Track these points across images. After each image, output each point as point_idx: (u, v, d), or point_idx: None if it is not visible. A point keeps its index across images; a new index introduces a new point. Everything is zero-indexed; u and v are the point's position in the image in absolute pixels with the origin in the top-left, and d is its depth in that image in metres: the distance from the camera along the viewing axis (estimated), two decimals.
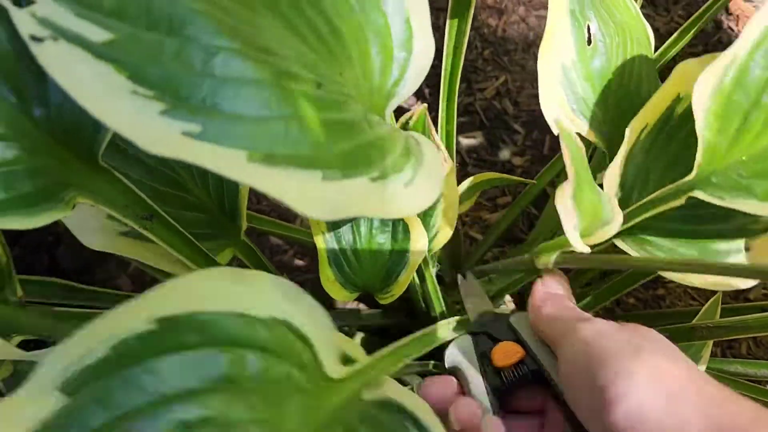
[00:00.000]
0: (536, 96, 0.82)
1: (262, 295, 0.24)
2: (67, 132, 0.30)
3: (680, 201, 0.39)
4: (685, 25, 0.49)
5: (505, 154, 0.77)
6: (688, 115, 0.38)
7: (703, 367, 0.54)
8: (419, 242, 0.40)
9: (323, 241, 0.39)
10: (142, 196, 0.32)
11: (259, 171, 0.23)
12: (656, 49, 0.49)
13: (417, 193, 0.27)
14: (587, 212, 0.34)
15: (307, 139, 0.25)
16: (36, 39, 0.23)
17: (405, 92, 0.34)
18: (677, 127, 0.43)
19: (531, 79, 0.83)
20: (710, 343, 0.52)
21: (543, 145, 0.79)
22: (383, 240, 0.40)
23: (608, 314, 0.69)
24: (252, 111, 0.24)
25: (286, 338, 0.24)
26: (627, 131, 0.42)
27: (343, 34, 0.31)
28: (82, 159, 0.30)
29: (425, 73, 0.34)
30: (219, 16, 0.26)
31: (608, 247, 0.50)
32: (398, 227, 0.40)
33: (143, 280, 0.71)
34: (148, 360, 0.20)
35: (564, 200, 0.32)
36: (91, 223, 0.38)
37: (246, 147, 0.23)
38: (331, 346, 0.26)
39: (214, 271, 0.23)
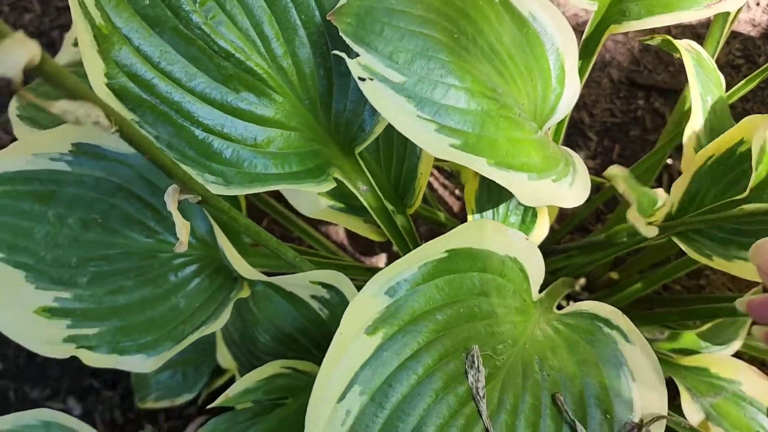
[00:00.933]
0: (608, 109, 0.95)
1: (503, 241, 0.38)
2: (338, 131, 0.45)
3: (732, 211, 0.53)
4: (750, 75, 0.62)
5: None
6: (747, 155, 0.51)
7: (739, 344, 0.68)
8: (542, 227, 0.54)
9: (473, 219, 0.54)
10: (368, 176, 0.47)
11: (495, 171, 0.38)
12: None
13: (576, 193, 0.42)
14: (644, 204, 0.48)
15: (525, 150, 0.40)
16: (361, 79, 0.38)
17: (556, 118, 0.48)
18: (737, 161, 0.56)
19: (605, 94, 0.96)
20: (748, 322, 0.65)
21: (612, 152, 0.92)
22: (514, 220, 0.55)
23: (656, 298, 0.83)
24: (489, 133, 0.39)
25: (513, 269, 0.39)
26: (696, 156, 0.56)
27: (522, 74, 0.46)
28: (344, 150, 0.45)
29: (573, 105, 0.48)
30: (459, 65, 0.41)
31: (666, 243, 0.64)
32: (528, 212, 0.54)
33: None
34: (440, 277, 0.35)
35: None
36: (307, 197, 0.53)
37: (485, 156, 0.38)
38: (536, 275, 0.41)
39: (483, 222, 0.38)
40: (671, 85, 0.96)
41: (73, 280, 0.48)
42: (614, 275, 0.70)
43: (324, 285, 0.47)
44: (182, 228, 0.34)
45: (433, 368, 0.35)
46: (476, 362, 0.36)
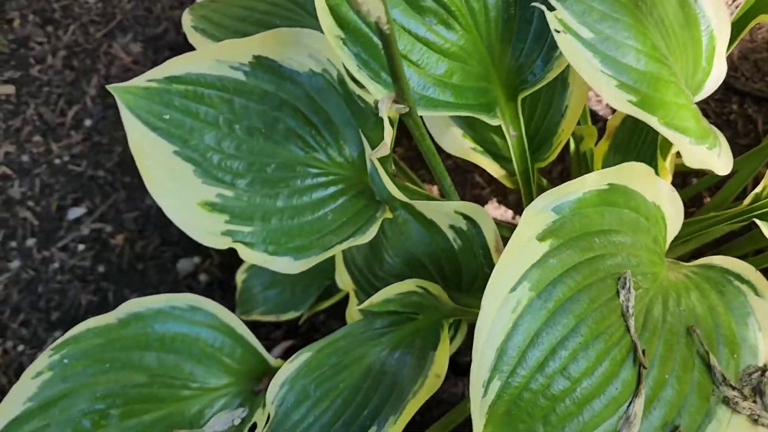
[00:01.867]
0: (703, 109, 0.98)
1: (651, 186, 0.42)
2: (508, 74, 0.48)
3: None
4: None
5: None
6: None
7: None
8: None
9: None
10: (521, 123, 0.51)
11: (666, 130, 0.41)
12: None
13: (723, 162, 0.45)
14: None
15: (686, 116, 0.43)
16: (556, 31, 0.42)
17: (701, 95, 0.51)
18: None
19: None
20: None
21: None
22: None
23: None
24: (660, 94, 0.43)
25: (656, 215, 0.42)
26: None
27: (680, 48, 0.49)
28: (508, 93, 0.49)
29: (717, 85, 0.51)
30: (640, 29, 0.44)
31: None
32: None
33: None
34: (600, 206, 0.39)
35: None
36: (454, 138, 0.57)
37: (658, 115, 0.42)
38: (673, 227, 0.44)
39: (635, 165, 0.41)
40: (766, 95, 0.98)
41: (235, 182, 0.53)
42: None
43: (465, 216, 0.50)
44: (388, 134, 0.38)
45: (589, 281, 0.39)
46: (628, 284, 0.40)
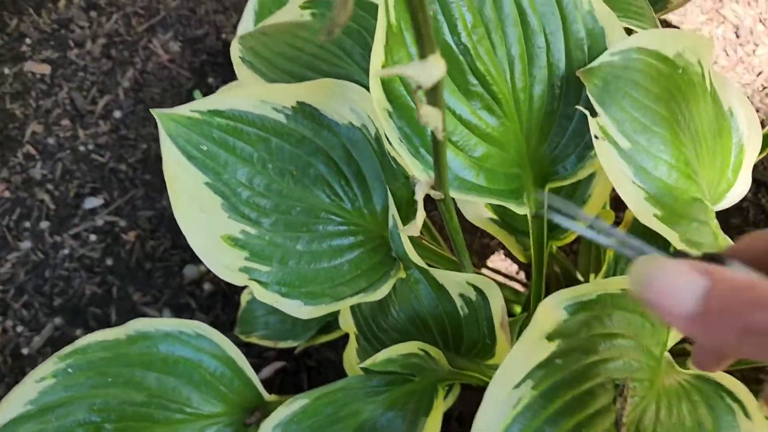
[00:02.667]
0: None
1: None
2: (541, 164, 0.50)
3: None
4: None
5: None
6: None
7: None
8: None
9: None
10: (544, 209, 0.52)
11: (684, 248, 0.43)
12: None
13: None
14: None
15: (705, 233, 0.44)
16: (595, 137, 0.43)
17: (722, 205, 0.53)
18: None
19: None
20: None
21: None
22: None
23: None
24: (683, 211, 0.44)
25: (648, 324, 0.44)
26: None
27: (709, 159, 0.50)
28: (537, 182, 0.50)
29: (741, 197, 0.53)
30: (675, 143, 0.45)
31: None
32: None
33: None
34: (611, 307, 0.41)
35: None
36: (475, 207, 0.59)
37: (679, 232, 0.43)
38: (675, 333, 0.45)
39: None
40: None
41: (259, 220, 0.54)
42: None
43: (476, 288, 0.52)
44: (419, 216, 0.39)
45: (590, 385, 0.40)
46: (625, 393, 0.41)
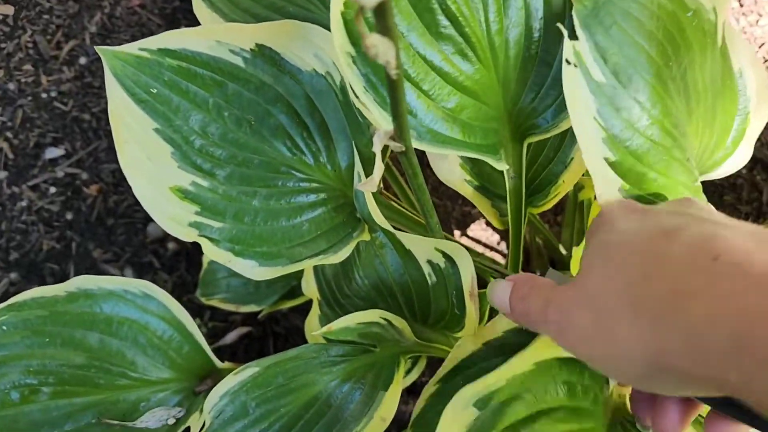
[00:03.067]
0: None
1: None
2: (519, 117, 0.45)
3: None
4: None
5: None
6: None
7: None
8: None
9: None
10: (523, 167, 0.48)
11: None
12: None
13: None
14: None
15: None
16: (567, 61, 0.38)
17: (713, 175, 0.48)
18: None
19: None
20: None
21: None
22: None
23: None
24: (648, 161, 0.40)
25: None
26: None
27: (705, 120, 0.46)
28: (514, 137, 0.46)
29: (737, 169, 0.48)
30: (658, 91, 0.41)
31: None
32: None
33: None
34: (526, 388, 0.37)
35: None
36: (449, 166, 0.54)
37: (631, 183, 0.39)
38: None
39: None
40: None
41: (213, 172, 0.50)
42: None
43: (445, 255, 0.48)
44: (378, 170, 0.35)
45: None
46: None
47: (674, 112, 0.42)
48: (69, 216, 0.82)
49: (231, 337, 0.79)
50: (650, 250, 0.27)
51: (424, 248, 0.48)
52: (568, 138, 0.51)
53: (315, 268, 0.59)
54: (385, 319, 0.49)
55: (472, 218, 0.88)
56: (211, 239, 0.49)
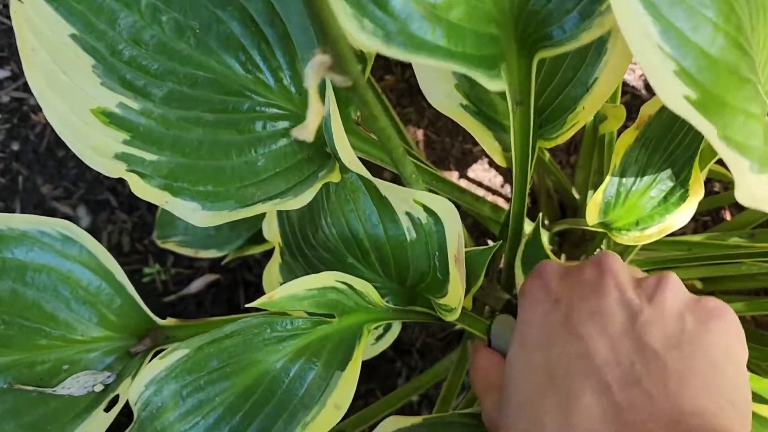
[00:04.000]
0: None
1: None
2: (528, 23, 0.35)
3: None
4: None
5: None
6: None
7: None
8: (685, 213, 0.45)
9: (610, 180, 0.45)
10: (531, 89, 0.38)
11: (724, 148, 0.29)
12: None
13: None
14: None
15: (755, 130, 0.31)
16: None
17: None
18: None
19: None
20: None
21: None
22: (655, 194, 0.46)
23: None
24: (726, 94, 0.30)
25: None
26: None
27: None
28: (522, 50, 0.36)
29: None
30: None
31: None
32: (676, 192, 0.45)
33: None
34: None
35: None
36: (442, 87, 0.45)
37: (717, 124, 0.30)
38: None
39: None
40: None
41: (147, 91, 0.40)
42: (699, 284, 0.63)
43: (427, 209, 0.39)
44: (314, 115, 0.25)
45: None
46: None
47: (744, 22, 0.32)
48: (15, 146, 0.73)
49: (196, 285, 0.71)
50: (536, 383, 0.31)
51: (402, 198, 0.39)
52: (591, 52, 0.41)
53: (280, 210, 0.50)
54: (343, 283, 0.40)
55: (474, 157, 0.78)
56: (142, 175, 0.40)
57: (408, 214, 0.39)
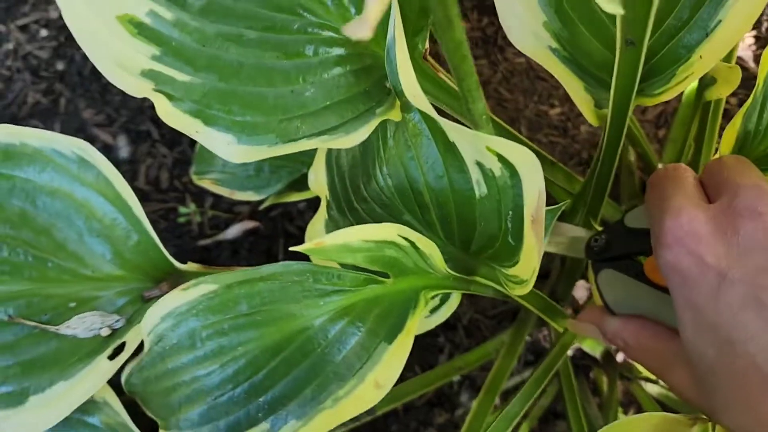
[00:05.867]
0: None
1: None
2: None
3: None
4: None
5: None
6: None
7: None
8: None
9: None
10: (649, 25, 0.31)
11: None
12: None
13: None
14: None
15: None
16: None
17: None
18: None
19: None
20: None
21: None
22: None
23: None
24: None
25: None
26: None
27: None
28: None
29: None
30: None
31: None
32: None
33: None
34: None
35: None
36: (529, 24, 0.37)
37: None
38: None
39: None
40: None
41: (182, 0, 0.35)
42: None
43: (502, 159, 0.32)
44: (376, 4, 0.18)
45: None
46: None
47: None
48: (60, 66, 0.69)
49: (233, 231, 0.66)
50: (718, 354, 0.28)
51: (474, 144, 0.33)
52: None
53: (328, 153, 0.44)
54: (405, 239, 0.34)
55: (548, 121, 0.71)
56: (170, 97, 0.34)
57: (479, 164, 0.32)
